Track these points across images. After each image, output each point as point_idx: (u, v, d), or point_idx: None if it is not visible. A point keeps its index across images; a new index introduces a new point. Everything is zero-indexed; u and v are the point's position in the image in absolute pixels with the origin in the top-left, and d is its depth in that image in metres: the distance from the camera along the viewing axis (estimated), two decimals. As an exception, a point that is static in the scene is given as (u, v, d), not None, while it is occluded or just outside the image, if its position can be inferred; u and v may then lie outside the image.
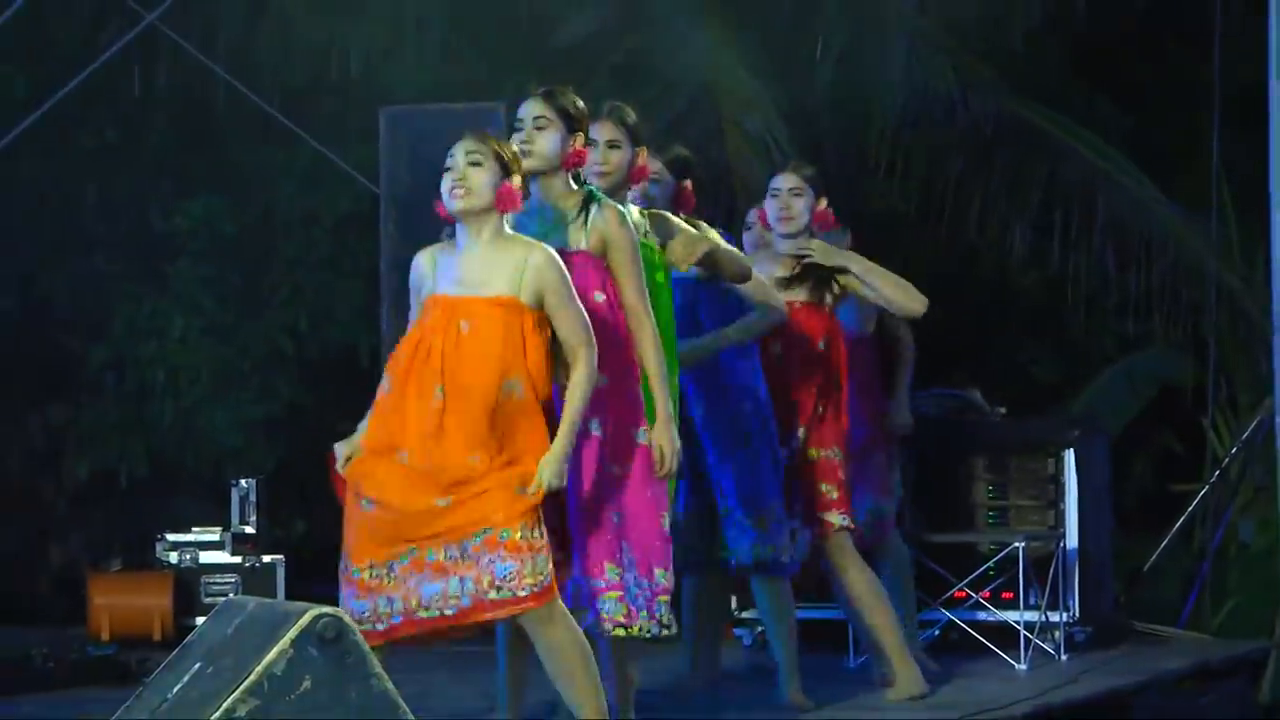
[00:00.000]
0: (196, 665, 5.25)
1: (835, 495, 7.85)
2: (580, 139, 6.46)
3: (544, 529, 5.88)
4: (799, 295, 7.80)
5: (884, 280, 7.86)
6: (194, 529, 10.41)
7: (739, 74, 12.07)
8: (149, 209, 12.62)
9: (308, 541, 11.72)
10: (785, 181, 7.84)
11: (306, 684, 4.93)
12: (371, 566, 5.85)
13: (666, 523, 6.36)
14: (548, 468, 5.86)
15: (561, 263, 6.01)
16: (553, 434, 5.94)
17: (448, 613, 5.84)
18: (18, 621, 11.33)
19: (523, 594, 5.80)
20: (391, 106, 10.34)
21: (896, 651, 7.92)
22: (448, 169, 6.01)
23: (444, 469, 5.83)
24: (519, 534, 5.81)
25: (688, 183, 7.40)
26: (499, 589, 5.80)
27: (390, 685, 5.06)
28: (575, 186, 6.49)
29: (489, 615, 5.87)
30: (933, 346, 12.44)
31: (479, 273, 5.97)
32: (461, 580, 5.83)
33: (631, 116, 6.83)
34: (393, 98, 11.12)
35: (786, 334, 7.72)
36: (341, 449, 5.99)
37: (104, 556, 10.92)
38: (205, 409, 12.25)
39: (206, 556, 10.25)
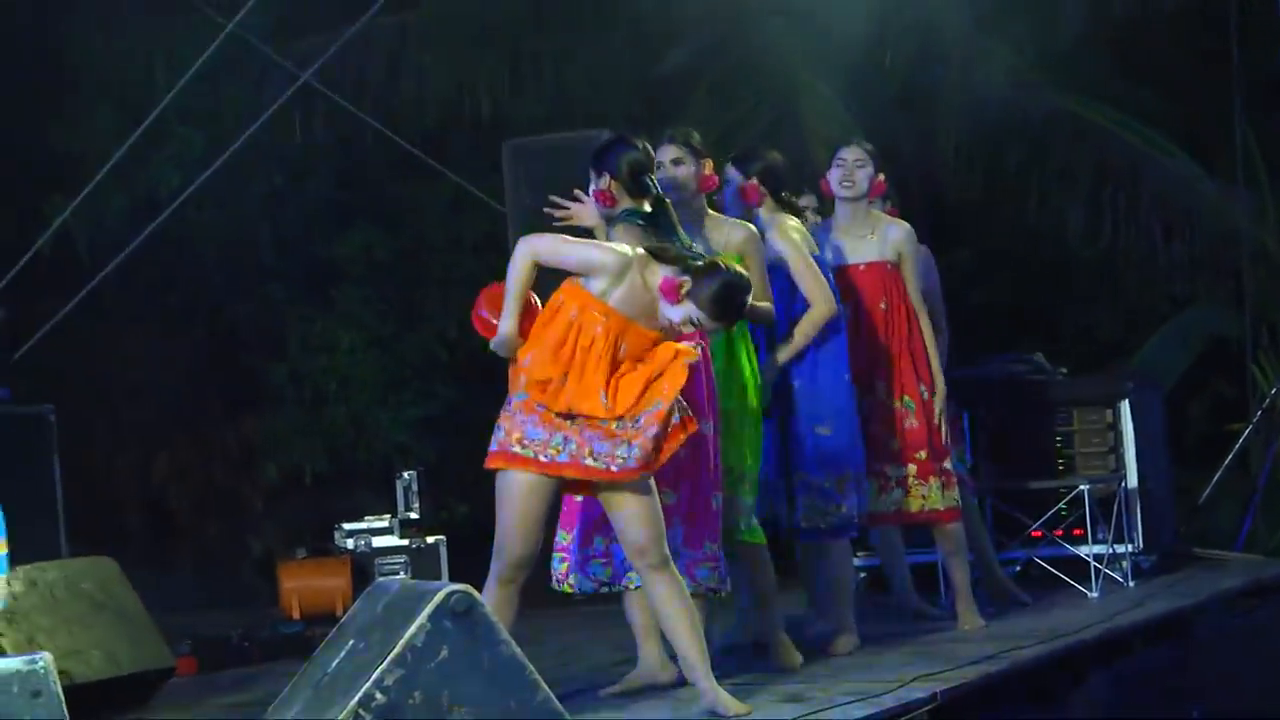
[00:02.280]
0: (350, 642, 5.24)
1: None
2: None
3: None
4: (864, 257, 7.76)
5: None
6: (366, 517, 10.40)
7: (819, 88, 11.98)
8: (314, 242, 12.69)
9: (470, 522, 11.73)
10: (851, 154, 7.84)
11: (444, 653, 4.90)
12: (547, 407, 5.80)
13: None
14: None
15: None
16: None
17: (613, 468, 5.76)
18: (225, 605, 11.44)
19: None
20: (514, 139, 10.29)
21: (962, 593, 7.95)
22: None
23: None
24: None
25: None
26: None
27: (517, 650, 5.02)
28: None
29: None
30: (1004, 317, 12.38)
31: None
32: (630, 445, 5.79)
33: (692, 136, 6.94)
34: (516, 130, 11.10)
35: (854, 294, 7.70)
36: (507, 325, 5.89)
37: (295, 545, 10.96)
38: (373, 412, 12.30)
39: (378, 541, 10.22)
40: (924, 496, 7.85)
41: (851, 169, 7.81)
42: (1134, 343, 12.89)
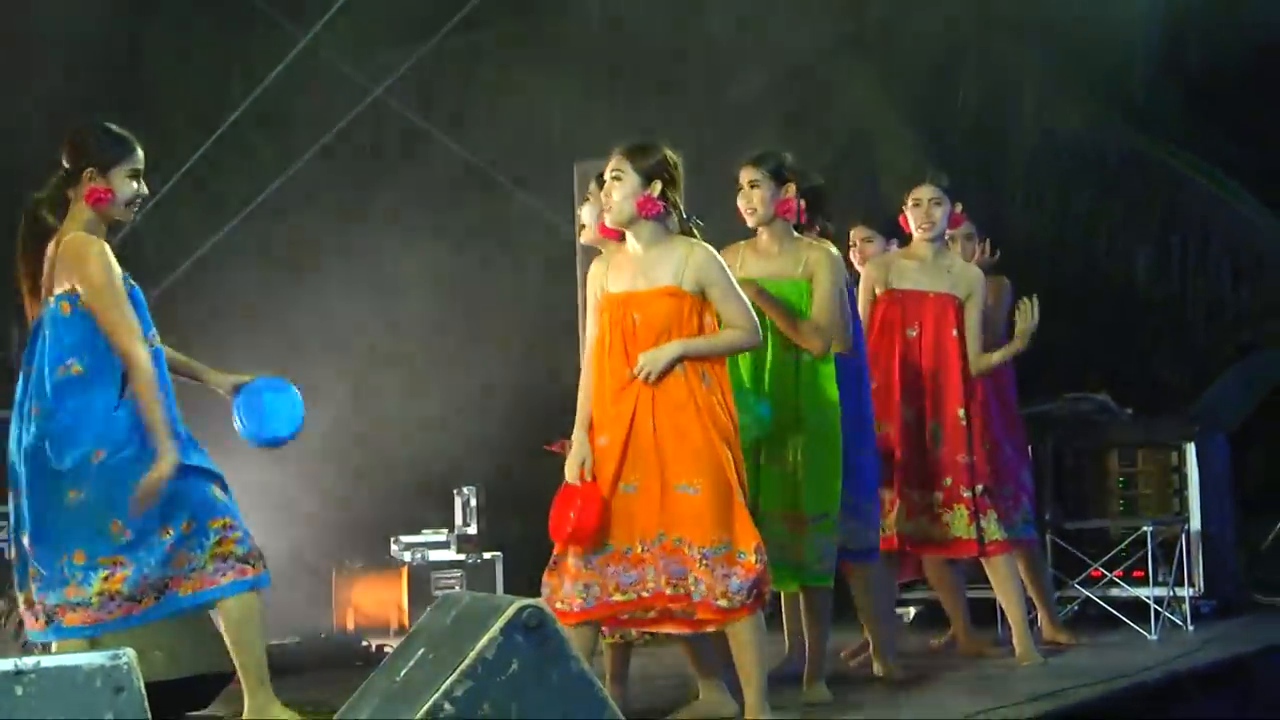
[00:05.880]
0: (420, 651, 5.27)
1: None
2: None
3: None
4: (935, 286, 7.78)
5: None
6: (424, 531, 10.46)
7: (889, 121, 12.01)
8: (382, 255, 12.73)
9: (525, 539, 11.73)
10: (926, 193, 7.89)
11: (514, 666, 4.92)
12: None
13: None
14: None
15: (720, 258, 6.01)
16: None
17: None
18: (281, 613, 11.44)
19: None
20: (585, 161, 10.33)
21: (1019, 627, 7.94)
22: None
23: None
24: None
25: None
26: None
27: (587, 666, 5.04)
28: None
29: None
30: (1070, 356, 12.32)
31: (645, 270, 5.99)
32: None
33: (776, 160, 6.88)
34: (586, 151, 11.11)
35: (924, 319, 7.74)
36: (573, 467, 6.04)
37: (351, 555, 10.99)
38: (435, 427, 12.32)
39: (435, 554, 10.28)
40: (982, 528, 7.85)
41: (928, 208, 7.85)
42: (1198, 387, 12.86)
